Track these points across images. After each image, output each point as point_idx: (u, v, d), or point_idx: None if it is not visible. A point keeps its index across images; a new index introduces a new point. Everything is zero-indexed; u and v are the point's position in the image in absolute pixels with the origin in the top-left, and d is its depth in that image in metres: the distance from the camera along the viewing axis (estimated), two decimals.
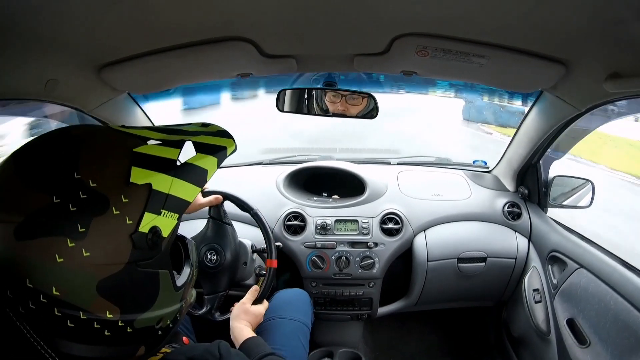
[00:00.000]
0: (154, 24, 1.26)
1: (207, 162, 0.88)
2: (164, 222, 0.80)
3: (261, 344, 1.51)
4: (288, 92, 2.06)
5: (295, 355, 1.77)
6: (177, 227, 0.84)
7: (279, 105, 2.05)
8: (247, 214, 1.93)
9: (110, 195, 0.74)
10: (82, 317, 0.73)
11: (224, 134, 0.95)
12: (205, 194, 1.92)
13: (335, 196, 2.61)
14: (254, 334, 1.58)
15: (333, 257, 2.35)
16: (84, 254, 0.71)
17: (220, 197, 1.92)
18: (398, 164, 2.92)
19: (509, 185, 2.62)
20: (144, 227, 0.76)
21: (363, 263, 2.35)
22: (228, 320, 1.75)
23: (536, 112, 2.11)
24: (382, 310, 2.55)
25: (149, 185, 0.78)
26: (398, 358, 2.97)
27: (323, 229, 2.37)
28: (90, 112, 1.81)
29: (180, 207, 0.83)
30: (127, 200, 0.75)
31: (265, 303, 1.81)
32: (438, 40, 1.39)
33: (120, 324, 0.77)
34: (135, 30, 1.29)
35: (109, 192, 0.74)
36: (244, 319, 1.67)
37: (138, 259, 0.77)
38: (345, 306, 2.49)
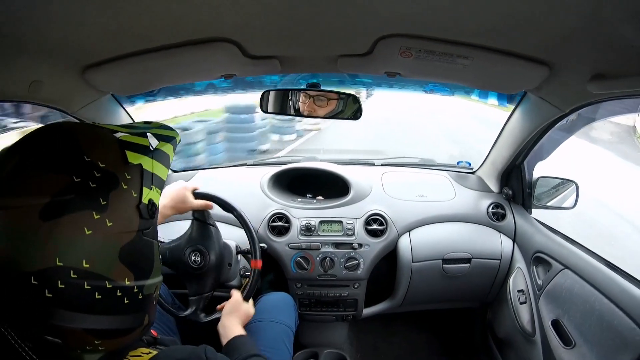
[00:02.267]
0: (136, 25, 1.25)
1: (167, 148, 0.98)
2: (155, 196, 0.90)
3: (249, 343, 1.54)
4: (272, 93, 2.05)
5: (280, 358, 1.78)
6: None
7: (263, 106, 2.05)
8: (231, 215, 1.92)
9: (118, 173, 0.83)
10: (107, 286, 0.80)
11: (167, 127, 1.04)
12: (196, 195, 1.91)
13: (320, 197, 2.61)
14: (244, 332, 1.61)
15: (318, 258, 2.35)
16: (108, 224, 0.79)
17: (210, 203, 1.92)
18: (382, 165, 2.93)
19: (493, 186, 2.64)
20: (145, 199, 0.87)
21: (348, 264, 2.35)
22: (212, 321, 1.76)
23: (520, 113, 2.12)
24: (367, 311, 2.55)
25: (140, 165, 0.88)
26: (383, 358, 2.97)
27: (307, 230, 2.37)
28: (74, 113, 1.80)
29: (162, 184, 0.93)
30: (129, 177, 0.85)
31: (251, 302, 1.84)
32: (422, 41, 1.39)
33: (135, 290, 0.85)
34: (118, 31, 1.29)
35: (116, 170, 0.83)
36: (235, 315, 1.70)
37: (143, 227, 0.87)
38: (330, 307, 2.49)
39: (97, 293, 0.78)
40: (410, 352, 3.02)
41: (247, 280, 1.87)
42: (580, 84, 1.48)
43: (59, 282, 0.74)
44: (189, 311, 1.86)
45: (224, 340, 1.57)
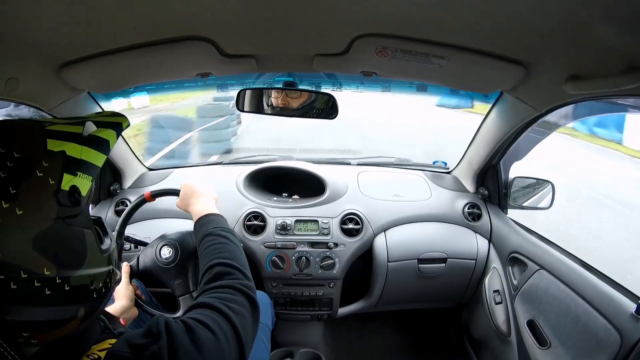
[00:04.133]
0: (112, 23, 1.25)
1: (107, 134, 0.97)
2: (81, 183, 0.88)
3: (206, 222, 1.53)
4: (248, 92, 2.05)
5: (259, 356, 1.78)
6: (92, 188, 0.94)
7: (239, 105, 2.04)
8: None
9: (34, 161, 0.82)
10: (22, 276, 0.78)
11: (117, 114, 1.04)
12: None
13: (296, 196, 2.61)
14: (210, 210, 1.61)
15: (293, 258, 2.35)
16: (18, 212, 0.78)
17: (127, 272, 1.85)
18: (358, 164, 2.93)
19: (469, 186, 2.65)
20: (65, 186, 0.85)
21: (323, 263, 2.35)
22: None
23: (496, 113, 2.13)
24: (343, 310, 2.56)
25: (63, 152, 0.87)
26: (358, 358, 2.98)
27: (283, 229, 2.37)
28: (50, 111, 1.79)
29: (93, 170, 0.92)
30: (47, 164, 0.83)
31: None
32: (398, 41, 1.39)
33: (57, 280, 0.82)
34: (94, 29, 1.28)
35: (32, 158, 0.82)
36: (189, 196, 1.73)
37: (65, 215, 0.85)
38: (306, 306, 2.49)
39: (12, 283, 0.77)
40: (386, 352, 3.02)
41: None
42: (556, 85, 1.49)
43: None
44: (180, 312, 1.82)
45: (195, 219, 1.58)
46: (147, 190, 1.90)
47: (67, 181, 0.85)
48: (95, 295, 0.92)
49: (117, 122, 1.01)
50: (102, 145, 0.95)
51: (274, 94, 2.07)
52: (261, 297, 2.18)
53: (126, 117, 1.04)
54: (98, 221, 1.08)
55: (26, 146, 0.83)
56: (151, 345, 0.95)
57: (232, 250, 1.37)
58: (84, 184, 0.89)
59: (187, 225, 1.92)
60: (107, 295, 0.97)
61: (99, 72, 1.61)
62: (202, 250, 1.39)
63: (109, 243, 1.02)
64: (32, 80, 1.55)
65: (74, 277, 0.85)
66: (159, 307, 1.91)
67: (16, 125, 0.88)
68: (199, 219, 1.55)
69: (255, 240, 2.36)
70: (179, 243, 1.84)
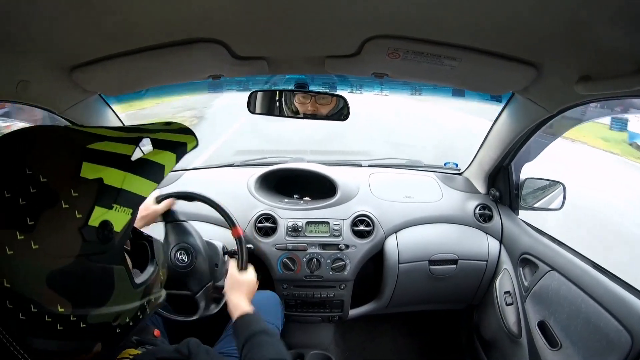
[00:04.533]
0: (124, 25, 1.25)
1: (164, 157, 0.88)
2: (116, 217, 0.80)
3: (253, 321, 1.49)
4: (259, 94, 2.05)
5: None
6: (131, 222, 0.84)
7: (250, 107, 2.04)
8: (214, 214, 1.92)
9: (60, 190, 0.75)
10: (32, 309, 0.73)
11: (186, 130, 0.95)
12: (158, 199, 1.92)
13: (307, 198, 2.60)
14: (249, 309, 1.57)
15: (304, 259, 2.34)
16: (33, 247, 0.71)
17: (172, 199, 1.92)
18: (369, 166, 2.92)
19: (480, 187, 2.64)
20: (94, 221, 0.77)
21: (334, 265, 2.35)
22: (202, 318, 1.77)
23: (507, 114, 2.13)
24: (354, 312, 2.55)
25: (100, 180, 0.78)
26: None
27: (294, 230, 2.36)
28: (61, 113, 1.79)
29: (135, 202, 0.83)
30: (76, 194, 0.75)
31: (251, 268, 1.82)
32: (409, 43, 1.39)
33: (72, 318, 0.77)
34: (105, 31, 1.28)
35: (59, 186, 0.75)
36: (237, 290, 1.67)
37: (90, 252, 0.77)
38: (317, 308, 2.49)
39: (20, 314, 0.73)
40: (396, 354, 3.02)
41: (236, 250, 1.86)
42: (567, 86, 1.48)
43: None
44: (200, 310, 1.83)
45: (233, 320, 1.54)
46: (156, 192, 1.91)
47: (98, 215, 0.77)
48: (118, 330, 0.87)
49: (181, 143, 0.92)
50: (154, 172, 0.86)
51: (299, 99, 2.07)
52: (270, 296, 2.19)
53: (195, 137, 0.96)
54: (150, 242, 1.06)
55: (55, 170, 0.76)
56: None
57: (285, 352, 1.36)
58: (120, 218, 0.81)
59: (201, 229, 1.96)
60: (135, 328, 0.92)
61: (111, 74, 1.61)
62: (258, 344, 1.36)
63: (150, 272, 0.98)
64: (43, 83, 1.55)
65: (93, 316, 0.80)
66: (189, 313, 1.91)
67: (53, 138, 0.81)
68: (245, 314, 1.53)
69: (266, 242, 2.36)
70: (194, 248, 1.87)
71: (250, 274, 1.78)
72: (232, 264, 1.78)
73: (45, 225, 0.72)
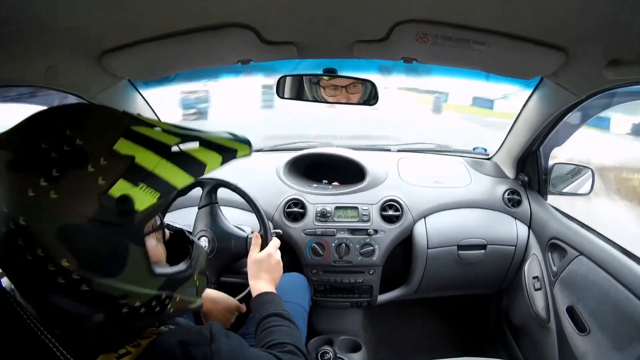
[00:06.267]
0: (153, 10, 1.27)
1: (208, 156, 0.88)
2: (141, 195, 0.81)
3: (269, 301, 1.50)
4: (288, 79, 2.05)
5: None
6: (157, 206, 0.85)
7: (279, 92, 2.05)
8: (242, 200, 1.94)
9: (92, 155, 0.78)
10: (39, 254, 0.76)
11: (244, 141, 0.96)
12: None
13: (336, 183, 2.61)
14: (268, 289, 1.58)
15: (333, 245, 2.35)
16: (52, 195, 0.75)
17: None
18: (398, 150, 2.92)
19: (509, 172, 2.63)
20: (116, 192, 0.79)
21: (363, 250, 2.35)
22: (245, 297, 1.79)
23: (536, 99, 2.11)
24: (382, 297, 2.56)
25: (132, 157, 0.80)
26: (398, 345, 2.98)
27: (323, 215, 2.37)
28: (91, 99, 1.81)
29: (165, 188, 0.84)
30: (105, 162, 0.78)
31: (274, 242, 1.81)
32: (438, 27, 1.39)
33: (75, 276, 0.79)
34: (135, 16, 1.30)
35: (92, 151, 0.78)
36: (257, 272, 1.67)
37: (105, 220, 0.79)
38: (345, 294, 2.49)
39: (27, 253, 0.76)
40: (425, 338, 3.03)
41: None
42: (596, 70, 1.47)
43: (2, 226, 0.77)
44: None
45: None
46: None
47: (121, 188, 0.79)
48: (125, 311, 0.87)
49: (231, 149, 0.92)
50: (192, 166, 0.86)
51: (329, 92, 2.08)
52: (298, 278, 2.22)
53: (248, 146, 0.95)
54: (180, 242, 1.10)
55: (93, 138, 0.80)
56: (202, 346, 0.95)
57: (300, 337, 1.35)
58: (144, 198, 0.81)
59: (228, 216, 1.98)
60: (146, 316, 0.92)
61: (140, 59, 1.63)
62: (271, 326, 1.36)
63: (179, 269, 1.00)
64: (72, 69, 1.58)
65: (99, 283, 0.81)
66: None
67: (103, 114, 0.86)
68: (262, 293, 1.54)
69: (295, 228, 2.38)
70: (217, 236, 1.89)
71: (272, 248, 1.77)
72: (252, 247, 1.77)
73: (69, 180, 0.76)
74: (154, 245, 0.96)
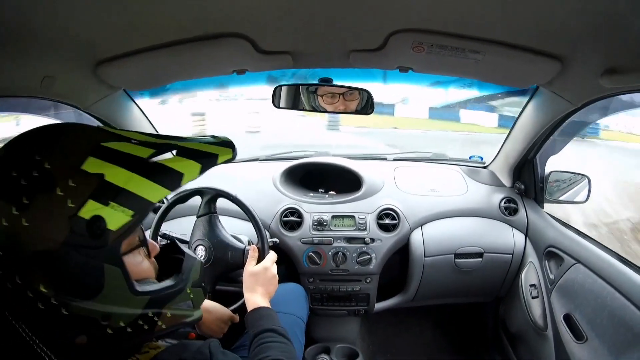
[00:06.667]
0: (149, 20, 1.27)
1: (185, 166, 0.88)
2: (112, 215, 0.80)
3: (264, 317, 1.48)
4: (284, 88, 2.03)
5: None
6: (132, 224, 0.83)
7: (275, 101, 2.04)
8: (241, 210, 1.91)
9: (59, 178, 0.78)
10: (17, 281, 0.77)
11: (225, 143, 0.95)
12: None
13: (332, 192, 2.61)
14: (263, 304, 1.54)
15: (330, 253, 2.35)
16: (24, 223, 0.75)
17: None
18: (394, 159, 2.92)
19: (506, 180, 2.63)
20: (85, 214, 0.78)
21: (360, 259, 2.35)
22: (239, 308, 1.77)
23: (532, 107, 2.12)
24: (379, 305, 2.56)
25: (101, 175, 0.80)
26: (395, 353, 2.98)
27: (320, 224, 2.37)
28: (86, 109, 1.82)
29: (138, 204, 0.83)
30: (74, 185, 0.78)
31: (270, 255, 1.78)
32: (434, 36, 1.40)
33: (53, 301, 0.78)
34: (130, 27, 1.30)
35: (59, 174, 0.78)
36: (253, 285, 1.63)
37: (77, 244, 0.78)
38: (342, 302, 2.49)
39: (8, 283, 0.77)
40: (422, 347, 3.02)
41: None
42: (592, 78, 1.48)
43: None
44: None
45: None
46: (183, 188, 1.91)
47: (91, 209, 0.78)
48: (110, 332, 0.85)
49: (211, 154, 0.92)
50: (168, 178, 0.86)
51: (327, 99, 2.07)
52: (295, 289, 2.20)
53: (232, 149, 0.95)
54: (170, 254, 1.09)
55: (60, 159, 0.79)
56: None
57: (294, 353, 1.34)
58: (116, 217, 0.81)
59: (226, 225, 1.96)
60: (137, 336, 0.91)
61: (136, 69, 1.64)
62: (265, 342, 1.34)
63: (165, 285, 0.97)
64: (68, 79, 1.59)
65: (77, 306, 0.80)
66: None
67: (73, 132, 0.84)
68: (257, 309, 1.51)
69: (291, 236, 2.37)
70: (214, 246, 1.86)
71: (268, 262, 1.74)
72: (249, 259, 1.74)
73: (38, 207, 0.76)
74: (138, 262, 0.95)
